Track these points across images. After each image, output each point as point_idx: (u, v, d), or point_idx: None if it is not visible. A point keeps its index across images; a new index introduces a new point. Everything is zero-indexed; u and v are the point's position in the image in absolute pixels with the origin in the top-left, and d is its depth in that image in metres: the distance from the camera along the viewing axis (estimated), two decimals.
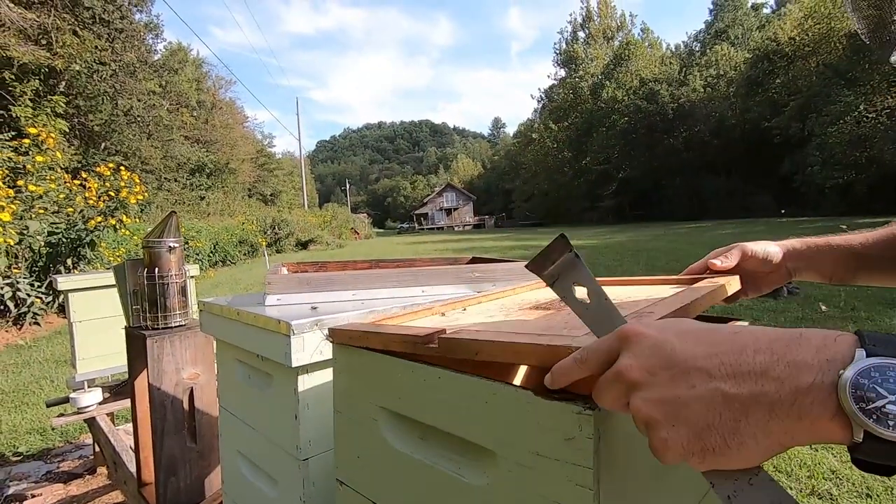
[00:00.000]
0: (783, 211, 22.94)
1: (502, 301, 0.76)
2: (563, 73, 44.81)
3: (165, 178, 21.26)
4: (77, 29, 14.74)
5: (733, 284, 0.63)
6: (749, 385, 0.28)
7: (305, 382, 0.71)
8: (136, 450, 1.46)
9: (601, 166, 35.70)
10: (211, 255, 13.69)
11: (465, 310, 0.72)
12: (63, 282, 2.15)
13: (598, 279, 0.80)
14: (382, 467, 0.53)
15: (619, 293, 0.73)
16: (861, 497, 2.01)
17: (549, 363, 0.37)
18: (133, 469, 1.53)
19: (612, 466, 0.36)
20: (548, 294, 0.82)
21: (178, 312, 1.34)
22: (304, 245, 21.86)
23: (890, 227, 0.65)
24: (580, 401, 0.36)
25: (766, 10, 36.91)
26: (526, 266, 0.42)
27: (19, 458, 2.77)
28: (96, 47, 15.09)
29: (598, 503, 0.35)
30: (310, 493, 0.71)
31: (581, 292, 0.39)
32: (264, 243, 17.39)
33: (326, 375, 0.71)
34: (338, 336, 0.58)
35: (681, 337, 0.32)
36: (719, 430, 0.29)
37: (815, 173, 21.58)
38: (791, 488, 2.11)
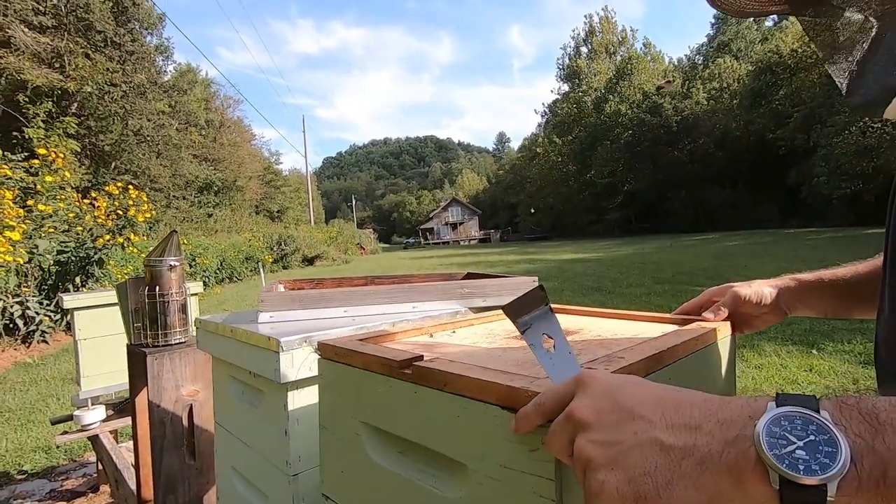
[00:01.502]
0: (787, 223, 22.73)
1: (492, 326, 0.77)
2: (566, 87, 45.20)
3: (174, 196, 21.53)
4: (89, 52, 15.12)
5: (723, 330, 0.64)
6: (684, 437, 0.30)
7: (295, 399, 0.72)
8: (137, 467, 1.47)
9: (606, 179, 35.75)
10: (217, 271, 13.79)
11: (454, 332, 0.73)
12: (69, 300, 2.18)
13: (589, 309, 0.82)
14: (365, 482, 0.54)
15: (607, 327, 0.74)
16: None
17: (509, 402, 0.40)
18: (133, 487, 1.54)
19: (574, 479, 0.37)
20: None
21: (178, 330, 1.36)
22: (310, 261, 21.97)
23: (877, 259, 0.65)
24: None
25: (769, 23, 37.18)
26: (502, 309, 0.44)
27: (24, 476, 2.78)
28: (108, 69, 15.45)
29: None
30: None
31: (548, 342, 0.41)
32: (270, 260, 17.49)
33: (316, 393, 0.73)
34: (325, 351, 0.60)
35: (632, 385, 0.35)
36: (654, 478, 0.30)
37: (821, 184, 21.47)
38: None
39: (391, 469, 0.51)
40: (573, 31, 45.57)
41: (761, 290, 0.67)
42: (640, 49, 42.21)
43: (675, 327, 0.67)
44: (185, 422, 1.34)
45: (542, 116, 51.61)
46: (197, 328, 0.96)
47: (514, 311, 0.42)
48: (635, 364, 0.46)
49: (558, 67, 46.57)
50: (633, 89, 36.81)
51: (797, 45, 26.61)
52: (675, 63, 41.71)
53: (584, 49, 44.71)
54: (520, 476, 0.38)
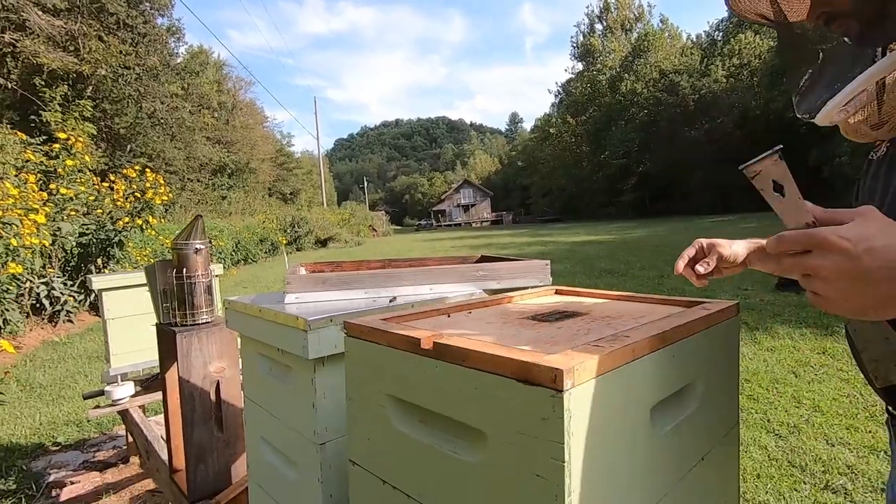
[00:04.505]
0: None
1: (506, 307, 0.81)
2: (580, 66, 44.31)
3: (188, 179, 21.77)
4: (102, 34, 15.19)
5: (727, 312, 0.69)
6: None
7: (322, 374, 0.78)
8: (168, 439, 1.56)
9: (620, 160, 35.22)
10: (233, 253, 14.01)
11: (469, 313, 0.77)
12: (98, 281, 2.27)
13: (599, 291, 0.85)
14: (389, 448, 0.59)
15: (616, 308, 0.78)
16: (876, 492, 2.00)
17: (522, 375, 0.44)
18: (165, 457, 1.64)
19: (582, 442, 0.41)
20: (548, 302, 0.87)
21: (204, 310, 1.43)
22: (323, 243, 22.16)
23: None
24: (552, 387, 0.41)
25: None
26: (739, 168, 0.50)
27: (58, 447, 2.93)
28: (121, 52, 15.52)
29: (568, 474, 0.40)
30: (327, 475, 0.78)
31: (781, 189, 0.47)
32: (284, 242, 17.68)
33: (340, 367, 0.78)
34: (352, 329, 0.65)
35: (874, 245, 0.41)
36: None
37: (843, 164, 20.97)
38: (805, 483, 2.12)
39: (414, 436, 0.56)
40: (587, 7, 44.37)
41: (737, 252, 0.78)
42: (657, 25, 41.03)
43: (682, 309, 0.71)
44: (212, 397, 1.42)
45: (556, 96, 50.76)
46: (226, 308, 1.01)
47: (749, 164, 0.48)
48: (641, 342, 0.50)
49: (572, 46, 45.58)
50: (650, 67, 35.94)
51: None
52: (694, 39, 40.52)
53: (598, 26, 43.63)
54: (533, 441, 0.43)
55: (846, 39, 0.62)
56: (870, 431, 2.48)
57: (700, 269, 0.75)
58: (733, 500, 0.71)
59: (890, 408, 0.69)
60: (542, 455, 0.42)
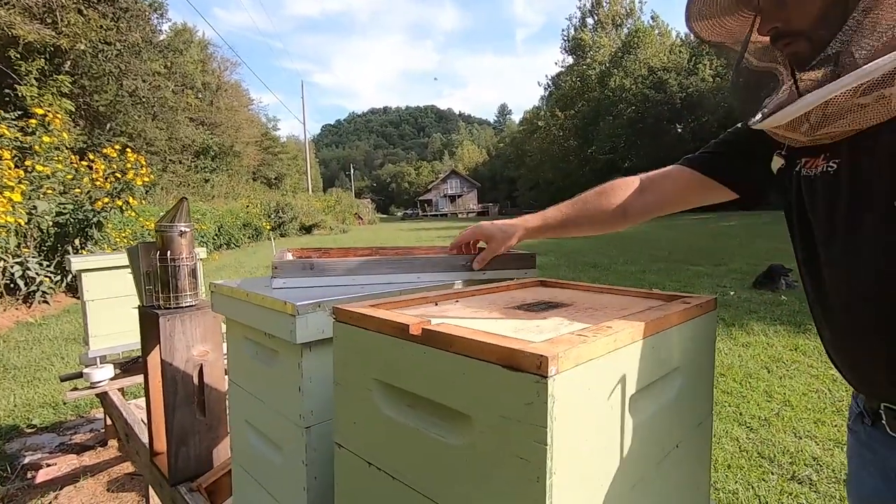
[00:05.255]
0: None
1: (493, 297, 0.83)
2: (570, 60, 44.30)
3: (170, 160, 21.30)
4: (82, 7, 14.67)
5: (705, 307, 0.70)
6: None
7: (308, 358, 0.78)
8: (149, 422, 1.55)
9: (607, 156, 35.46)
10: (215, 237, 13.80)
11: (457, 301, 0.79)
12: (77, 262, 2.23)
13: (583, 284, 0.88)
14: (375, 431, 0.61)
15: (597, 301, 0.80)
16: (839, 483, 2.09)
17: (508, 361, 0.45)
18: (146, 440, 1.63)
19: (564, 426, 0.43)
20: (534, 293, 0.89)
21: (188, 293, 1.42)
22: (307, 230, 21.96)
23: (584, 195, 1.03)
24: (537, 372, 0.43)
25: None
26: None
27: (33, 430, 2.89)
28: (101, 27, 15.02)
29: (550, 456, 0.42)
30: (311, 458, 0.79)
31: None
32: (268, 227, 17.47)
33: (326, 352, 0.79)
34: (340, 315, 0.65)
35: None
36: None
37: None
38: (773, 473, 2.20)
39: (400, 420, 0.57)
40: (580, 1, 44.20)
41: (508, 242, 1.00)
42: (648, 22, 41.18)
43: (662, 302, 0.73)
44: (195, 380, 1.41)
45: (545, 89, 50.75)
46: (212, 292, 1.01)
47: None
48: (623, 333, 0.52)
49: (563, 39, 45.49)
50: (639, 64, 36.12)
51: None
52: (683, 38, 40.80)
53: (590, 21, 43.60)
54: (517, 425, 0.44)
55: (777, 61, 0.70)
56: (836, 425, 2.58)
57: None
58: (704, 487, 0.74)
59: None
60: (525, 438, 0.44)
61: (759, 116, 0.67)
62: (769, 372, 3.38)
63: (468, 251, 1.07)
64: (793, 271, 6.04)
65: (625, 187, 0.98)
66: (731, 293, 5.67)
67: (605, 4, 42.99)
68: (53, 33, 13.68)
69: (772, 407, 2.86)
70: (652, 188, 0.97)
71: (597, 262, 8.89)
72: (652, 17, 42.00)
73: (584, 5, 44.24)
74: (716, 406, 2.86)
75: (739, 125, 0.83)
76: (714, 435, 2.52)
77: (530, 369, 0.43)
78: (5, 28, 12.57)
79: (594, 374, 0.48)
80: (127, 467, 2.42)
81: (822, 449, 2.37)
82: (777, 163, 0.74)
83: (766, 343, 3.93)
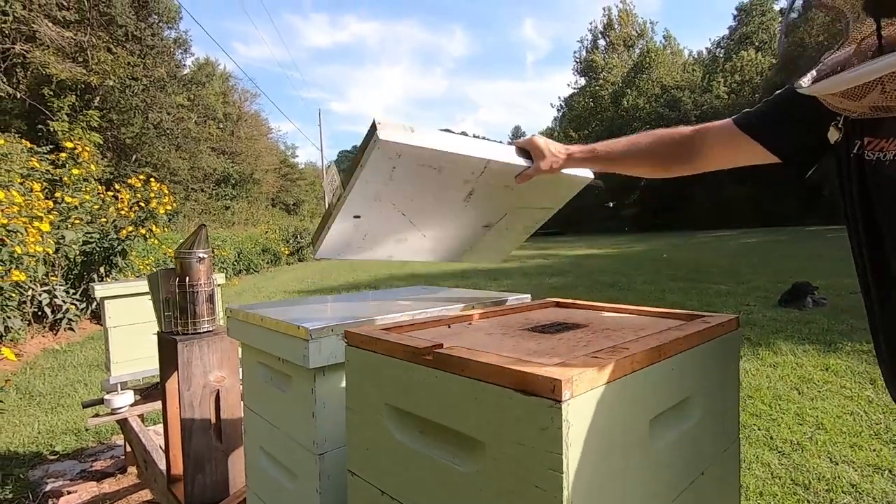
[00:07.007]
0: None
1: (506, 319, 0.82)
2: (582, 81, 44.66)
3: (192, 189, 21.90)
4: (111, 46, 15.41)
5: (727, 326, 0.68)
6: None
7: (322, 383, 0.78)
8: (167, 448, 1.55)
9: (622, 175, 35.30)
10: (235, 263, 14.02)
11: (470, 324, 0.78)
12: (100, 290, 2.28)
13: (599, 304, 0.86)
14: (388, 458, 0.59)
15: (615, 321, 0.78)
16: None
17: (522, 385, 0.44)
18: (163, 467, 1.63)
19: (580, 453, 0.42)
20: (549, 314, 0.88)
21: (206, 319, 1.43)
22: None
23: (634, 137, 0.97)
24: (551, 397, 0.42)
25: (793, 15, 36.14)
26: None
27: (55, 457, 2.91)
28: (129, 63, 15.73)
29: (566, 485, 0.40)
30: (325, 486, 0.78)
31: None
32: (286, 252, 17.70)
33: (340, 377, 0.78)
34: (352, 338, 0.65)
35: None
36: None
37: None
38: (809, 501, 2.09)
39: (412, 446, 0.56)
40: (591, 23, 44.87)
41: (554, 166, 0.97)
42: (660, 42, 41.46)
43: (682, 322, 0.71)
44: (212, 406, 1.41)
45: (558, 110, 51.10)
46: (227, 317, 1.02)
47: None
48: (640, 354, 0.50)
49: (575, 61, 45.99)
50: (652, 83, 36.25)
51: (823, 38, 25.91)
52: (695, 56, 40.89)
53: (601, 42, 44.08)
54: (531, 451, 0.43)
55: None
56: (874, 450, 2.45)
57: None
58: None
59: None
60: (540, 466, 0.42)
61: (807, 79, 0.54)
62: (800, 393, 3.24)
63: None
64: (819, 288, 5.85)
65: (676, 133, 0.95)
66: (757, 312, 5.51)
67: (616, 27, 43.48)
68: (84, 71, 14.37)
69: (804, 430, 2.74)
70: (702, 140, 0.94)
71: (615, 281, 8.76)
72: (664, 37, 42.31)
73: (596, 27, 44.81)
74: (744, 430, 2.75)
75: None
76: (743, 460, 2.41)
77: (544, 393, 0.42)
78: (40, 67, 13.26)
79: (610, 398, 0.46)
80: (146, 495, 2.42)
81: (860, 475, 2.25)
82: (834, 134, 0.63)
83: (795, 363, 3.79)
